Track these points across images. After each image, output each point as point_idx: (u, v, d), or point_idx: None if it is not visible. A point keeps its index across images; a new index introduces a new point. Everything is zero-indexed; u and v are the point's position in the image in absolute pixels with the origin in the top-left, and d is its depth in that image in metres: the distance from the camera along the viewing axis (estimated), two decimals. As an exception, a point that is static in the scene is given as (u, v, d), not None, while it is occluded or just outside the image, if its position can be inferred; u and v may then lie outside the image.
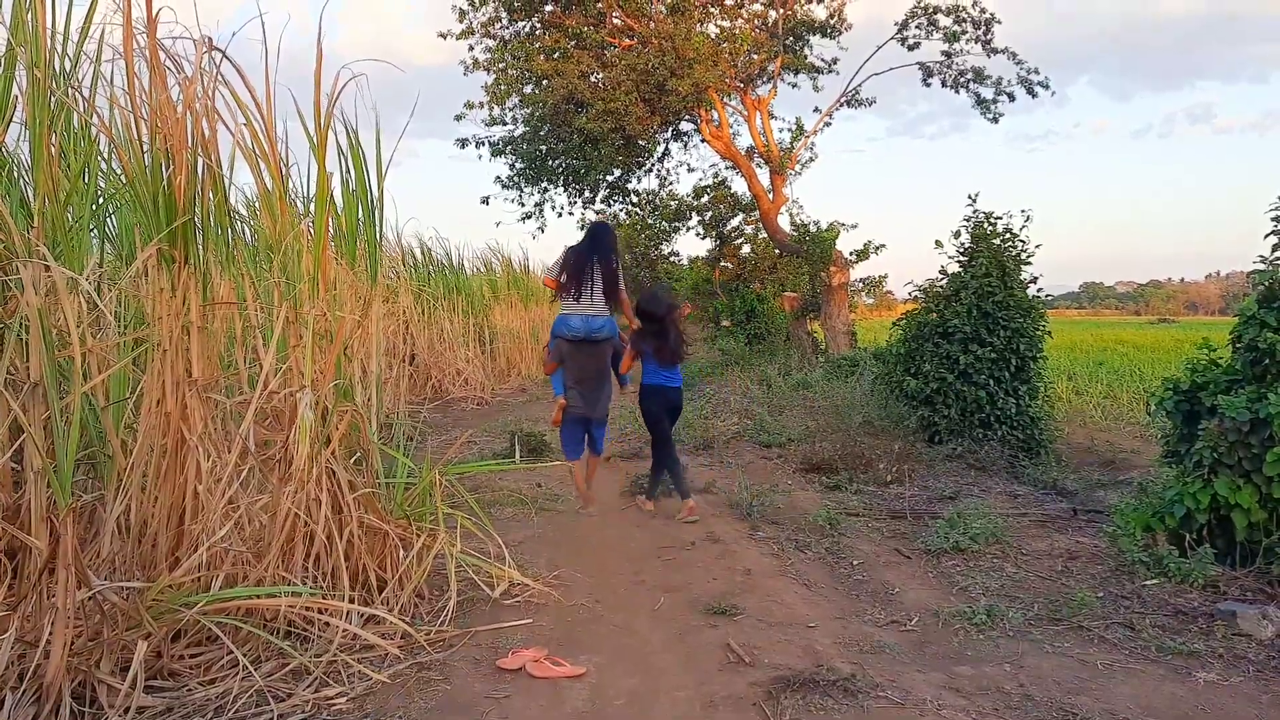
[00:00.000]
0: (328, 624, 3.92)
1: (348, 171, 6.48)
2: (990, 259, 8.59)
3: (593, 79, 15.54)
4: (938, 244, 9.06)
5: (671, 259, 34.71)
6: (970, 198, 8.98)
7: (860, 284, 16.56)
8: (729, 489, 7.13)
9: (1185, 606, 4.40)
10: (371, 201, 6.42)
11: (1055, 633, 4.18)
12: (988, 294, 8.49)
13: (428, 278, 17.22)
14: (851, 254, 15.85)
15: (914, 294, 9.30)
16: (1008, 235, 8.75)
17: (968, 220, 9.01)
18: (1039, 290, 8.79)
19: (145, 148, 3.97)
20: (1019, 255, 8.72)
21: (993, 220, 8.86)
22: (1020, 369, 8.49)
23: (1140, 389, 16.37)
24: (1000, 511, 6.12)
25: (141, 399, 4.01)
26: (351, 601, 4.20)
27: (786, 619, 4.38)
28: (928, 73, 16.99)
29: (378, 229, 6.47)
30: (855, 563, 5.31)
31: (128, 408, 4.13)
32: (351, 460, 4.61)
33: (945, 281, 8.99)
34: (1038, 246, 8.74)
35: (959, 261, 8.97)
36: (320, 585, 4.09)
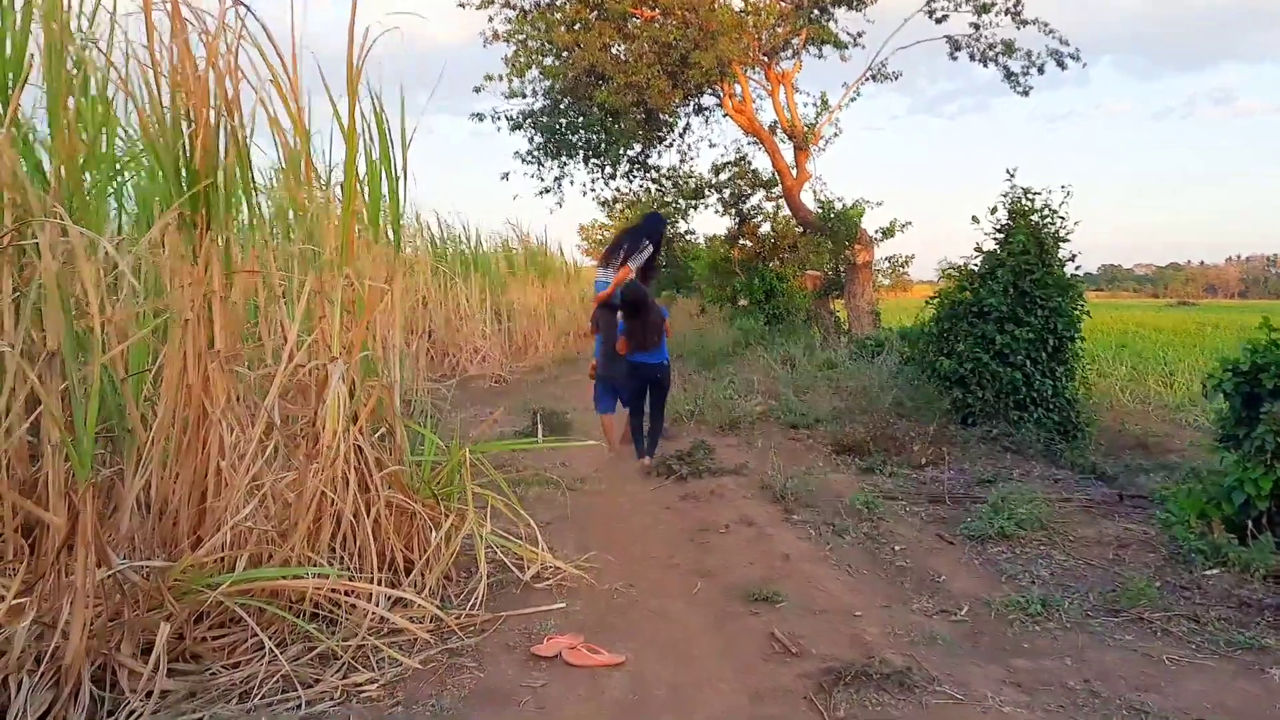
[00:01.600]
0: (354, 606, 3.76)
1: (371, 140, 6.31)
2: (1028, 236, 8.34)
3: (614, 51, 15.26)
4: (974, 220, 8.83)
5: (687, 237, 34.46)
6: (1008, 173, 8.75)
7: (886, 263, 16.31)
8: (760, 470, 6.95)
9: (1250, 598, 4.20)
10: (395, 171, 6.24)
11: (1115, 625, 3.99)
12: (1025, 272, 8.25)
13: (445, 253, 17.06)
14: (877, 232, 15.59)
15: (947, 271, 9.06)
16: (1046, 211, 8.49)
17: (1005, 196, 8.76)
18: (1077, 269, 8.55)
19: (165, 106, 3.79)
20: (1057, 232, 8.47)
21: (1031, 196, 8.61)
22: (1057, 350, 8.26)
23: (1164, 372, 16.13)
24: (1043, 496, 5.91)
25: (162, 371, 3.85)
26: (379, 584, 4.06)
27: (830, 606, 4.20)
28: (955, 46, 16.62)
29: (402, 200, 6.29)
30: (897, 548, 5.12)
31: (148, 380, 3.96)
32: (376, 436, 4.45)
33: (980, 259, 8.75)
34: (1076, 223, 8.49)
35: (995, 238, 8.73)
36: (347, 566, 3.93)
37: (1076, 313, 8.39)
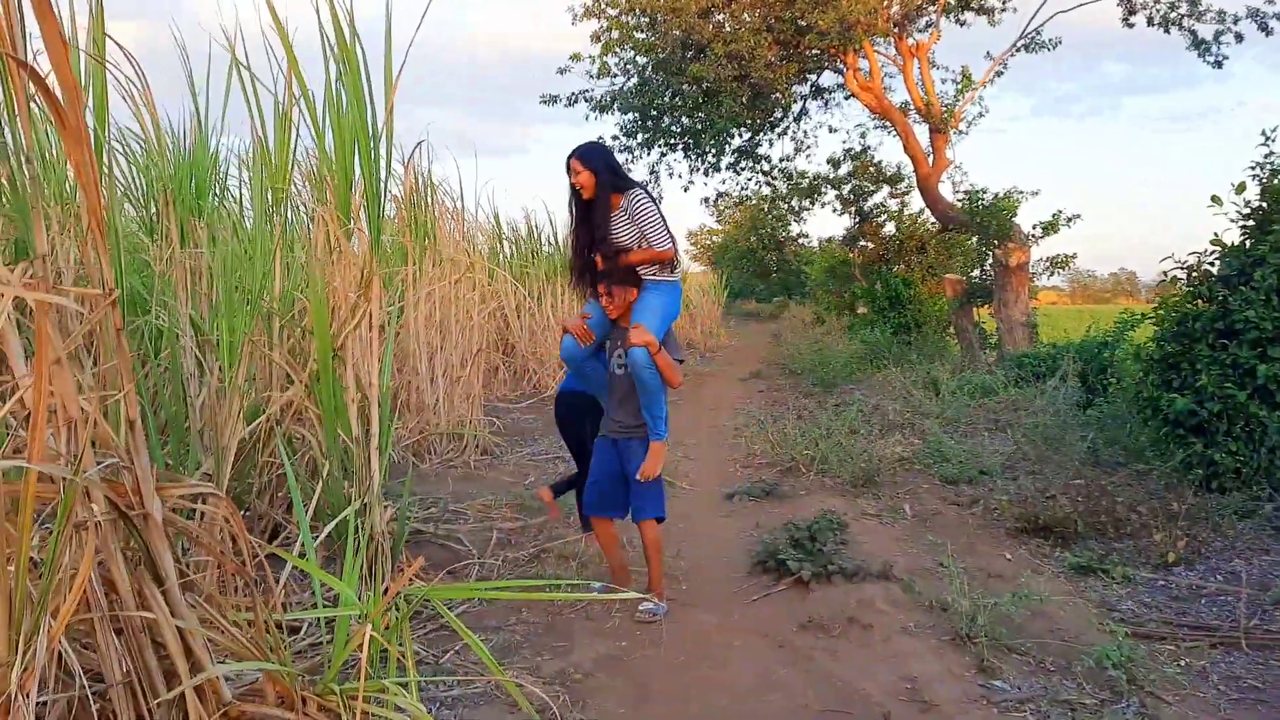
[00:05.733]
0: None
1: (338, 80, 4.32)
2: (1302, 221, 5.80)
3: (717, 18, 13.06)
4: (1215, 200, 6.28)
5: (800, 240, 31.98)
6: (1264, 135, 6.19)
7: (1047, 262, 13.60)
8: (919, 567, 4.66)
9: None
10: (375, 125, 4.24)
11: None
12: (1299, 273, 5.72)
13: (531, 258, 15.21)
14: (1035, 227, 12.92)
15: (1172, 274, 6.54)
16: (1326, 188, 5.92)
17: (1256, 168, 6.21)
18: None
19: None
20: (1341, 216, 5.89)
21: (1301, 166, 6.05)
22: (1347, 385, 5.69)
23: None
24: None
25: None
26: None
27: None
28: (1129, 9, 13.90)
29: (382, 164, 4.28)
30: (1213, 784, 2.78)
31: None
32: (238, 588, 2.38)
33: (1221, 256, 6.23)
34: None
35: (1244, 227, 6.20)
36: None
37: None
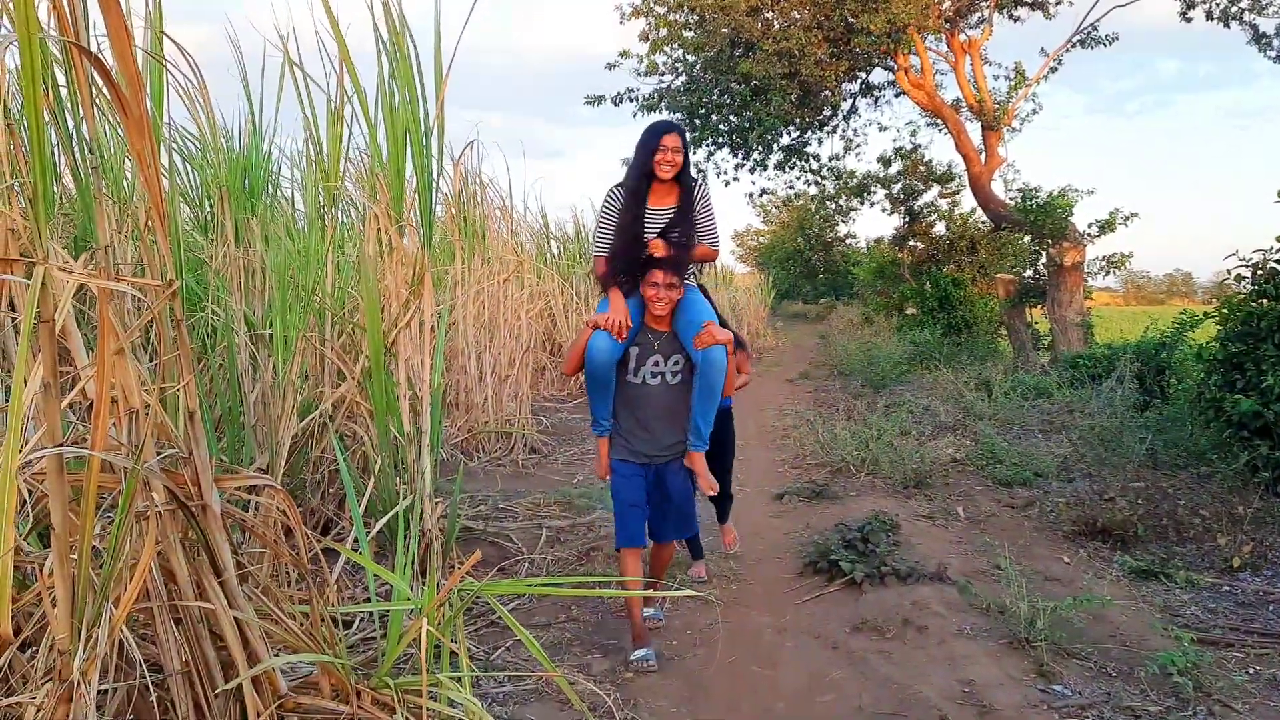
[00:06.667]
0: None
1: (392, 74, 4.34)
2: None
3: (766, 16, 12.97)
4: (1282, 196, 6.10)
5: (848, 241, 31.71)
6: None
7: (1103, 261, 13.31)
8: (974, 569, 4.57)
9: None
10: (426, 120, 4.25)
11: None
12: (1369, 270, 5.54)
13: (578, 257, 15.24)
14: (1090, 225, 12.65)
15: (1236, 272, 6.36)
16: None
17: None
18: None
19: None
20: None
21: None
22: None
23: None
24: None
25: None
26: None
27: None
28: (1188, 3, 13.57)
29: (434, 159, 4.29)
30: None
31: None
32: (291, 580, 2.39)
33: (1287, 253, 6.05)
34: None
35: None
36: None
37: None
